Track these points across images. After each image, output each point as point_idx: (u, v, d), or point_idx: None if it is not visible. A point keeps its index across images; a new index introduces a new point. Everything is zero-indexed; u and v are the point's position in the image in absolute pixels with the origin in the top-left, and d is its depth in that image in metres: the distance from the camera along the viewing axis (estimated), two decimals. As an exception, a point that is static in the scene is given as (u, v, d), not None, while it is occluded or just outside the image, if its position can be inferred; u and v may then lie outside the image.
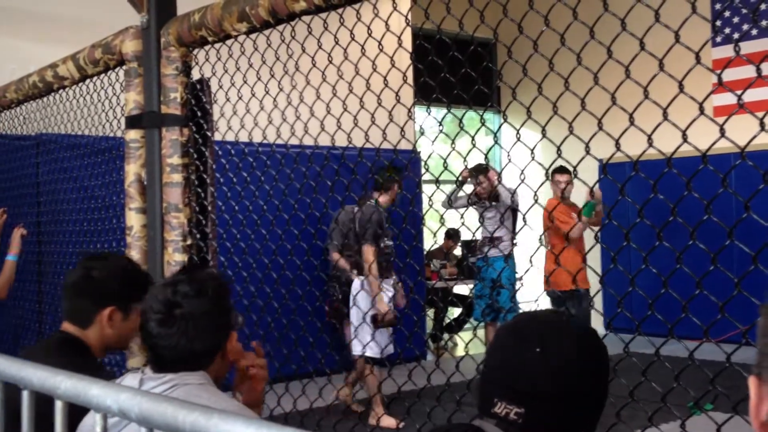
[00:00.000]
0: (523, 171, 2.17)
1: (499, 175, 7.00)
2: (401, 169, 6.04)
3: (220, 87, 3.14)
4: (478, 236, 7.46)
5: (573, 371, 1.31)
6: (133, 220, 3.22)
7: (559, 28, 2.10)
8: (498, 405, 1.29)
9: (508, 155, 2.21)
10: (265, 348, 2.35)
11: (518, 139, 2.19)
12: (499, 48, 10.90)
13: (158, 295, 1.91)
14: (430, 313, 9.50)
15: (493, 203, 6.84)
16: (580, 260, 6.51)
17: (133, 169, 3.22)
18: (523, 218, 2.24)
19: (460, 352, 9.26)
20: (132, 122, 3.23)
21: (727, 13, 8.84)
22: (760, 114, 1.66)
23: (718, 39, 8.73)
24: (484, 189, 6.75)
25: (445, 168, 2.36)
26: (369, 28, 2.48)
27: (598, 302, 9.47)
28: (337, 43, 2.59)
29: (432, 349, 9.14)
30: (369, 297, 5.54)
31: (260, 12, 2.72)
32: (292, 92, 2.82)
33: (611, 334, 1.97)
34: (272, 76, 2.89)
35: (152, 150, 3.16)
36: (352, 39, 2.55)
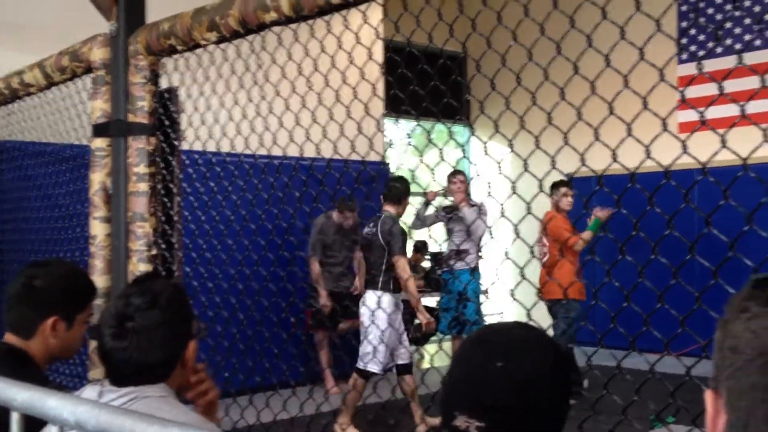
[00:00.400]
0: (489, 184, 2.18)
1: (467, 186, 7.03)
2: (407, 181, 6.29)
3: (189, 96, 3.13)
4: (445, 249, 7.48)
5: (536, 386, 1.29)
6: (98, 229, 3.18)
7: (528, 43, 2.12)
8: (459, 418, 1.28)
9: (476, 168, 2.22)
10: (230, 360, 2.33)
11: (485, 152, 2.20)
12: (469, 61, 10.99)
13: (111, 308, 1.88)
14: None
15: (460, 216, 6.85)
16: (575, 272, 6.98)
17: (98, 178, 3.19)
18: (490, 231, 2.24)
19: (426, 364, 9.25)
20: (98, 130, 3.20)
21: (692, 31, 8.99)
22: (723, 131, 1.68)
23: (684, 56, 8.88)
24: (459, 189, 6.74)
25: (413, 180, 2.36)
26: (339, 39, 2.49)
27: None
28: (307, 54, 2.59)
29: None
30: (388, 314, 5.54)
31: (230, 22, 2.71)
32: (261, 103, 2.81)
33: (575, 347, 1.98)
34: (241, 86, 2.88)
35: (118, 158, 3.13)
36: (322, 50, 2.55)
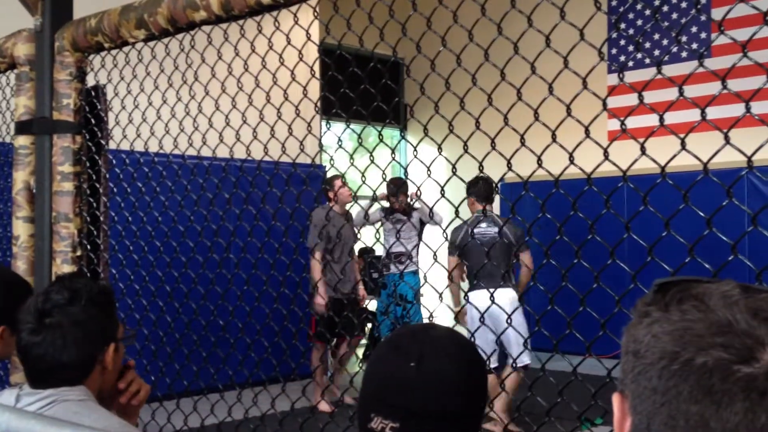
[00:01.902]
0: (419, 187, 2.19)
1: (419, 189, 7.06)
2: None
3: (116, 94, 3.06)
4: (386, 250, 7.44)
5: (450, 387, 1.29)
6: (21, 229, 3.09)
7: (459, 49, 2.14)
8: (374, 420, 1.28)
9: (405, 170, 2.23)
10: (157, 364, 2.28)
11: (415, 156, 2.21)
12: (410, 65, 11.03)
13: (31, 304, 1.83)
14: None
15: (410, 219, 6.86)
16: None
17: (21, 177, 3.10)
18: (444, 233, 2.24)
19: (356, 368, 9.24)
20: (22, 128, 3.11)
21: (622, 42, 9.22)
22: (642, 139, 1.73)
23: (615, 66, 9.09)
24: (401, 204, 6.81)
25: (344, 184, 2.36)
26: (270, 40, 2.47)
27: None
28: (237, 54, 2.57)
29: (333, 364, 9.10)
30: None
31: (159, 20, 2.67)
32: (191, 102, 2.77)
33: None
34: (170, 85, 2.83)
35: (42, 157, 3.04)
36: (253, 51, 2.53)
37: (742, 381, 0.69)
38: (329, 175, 6.44)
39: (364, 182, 2.32)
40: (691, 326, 0.73)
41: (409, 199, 6.83)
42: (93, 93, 3.07)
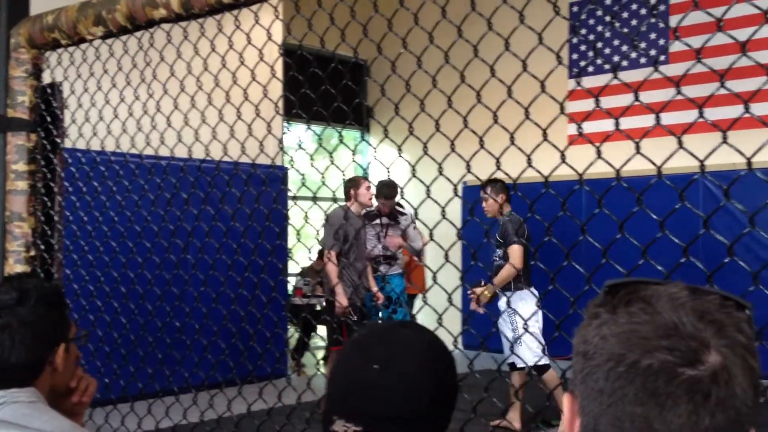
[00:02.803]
0: (378, 188, 2.19)
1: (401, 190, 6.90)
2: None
3: (73, 92, 3.01)
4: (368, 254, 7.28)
5: (415, 390, 1.25)
6: (-28, 228, 3.02)
7: (420, 51, 2.14)
8: (337, 423, 1.26)
9: (365, 171, 2.23)
10: (111, 366, 2.25)
11: (375, 157, 2.21)
12: (373, 66, 11.00)
13: None
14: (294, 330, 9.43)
15: (396, 221, 6.76)
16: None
17: (-27, 175, 3.03)
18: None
19: (313, 370, 9.19)
20: (-26, 125, 3.04)
21: (583, 47, 9.33)
22: (599, 143, 1.75)
23: (575, 71, 9.20)
24: (388, 207, 6.73)
25: (303, 184, 2.35)
26: (230, 39, 2.45)
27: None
28: (197, 53, 2.54)
29: (293, 366, 9.06)
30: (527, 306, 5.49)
31: (117, 17, 2.63)
32: (149, 101, 2.74)
33: (457, 351, 2.01)
34: (128, 83, 2.80)
35: (-5, 155, 2.98)
36: (213, 50, 2.50)
37: (686, 383, 0.69)
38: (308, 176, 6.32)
39: (323, 183, 2.31)
40: (637, 328, 0.73)
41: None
42: (49, 90, 3.02)
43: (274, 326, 3.23)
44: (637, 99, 1.66)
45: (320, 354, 9.87)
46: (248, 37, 2.38)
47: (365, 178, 5.92)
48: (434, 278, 2.03)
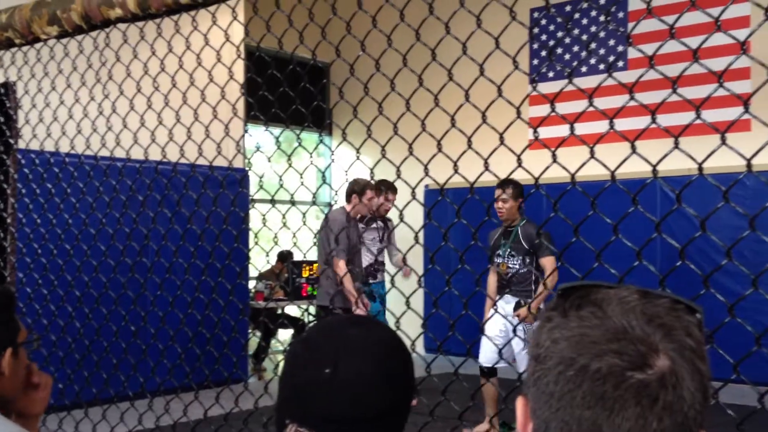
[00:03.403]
0: (337, 191, 2.19)
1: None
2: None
3: (26, 92, 2.96)
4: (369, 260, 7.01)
5: (367, 391, 1.21)
6: None
7: (379, 55, 2.14)
8: (290, 427, 1.23)
9: (323, 174, 2.22)
10: (65, 371, 2.21)
11: (332, 160, 2.20)
12: (334, 69, 10.97)
13: None
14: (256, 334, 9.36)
15: (387, 225, 6.52)
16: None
17: None
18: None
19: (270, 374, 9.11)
20: (-76, 125, 2.97)
21: (543, 53, 9.41)
22: (586, 146, 1.76)
23: (534, 76, 9.28)
24: (388, 209, 6.48)
25: (261, 186, 2.33)
26: (188, 40, 2.43)
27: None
28: (153, 53, 2.51)
29: (254, 370, 8.99)
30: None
31: (72, 16, 2.59)
32: (104, 102, 2.70)
33: (415, 355, 2.01)
34: (83, 83, 2.75)
35: (-54, 156, 2.92)
36: (170, 51, 2.48)
37: (634, 387, 0.70)
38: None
39: (281, 186, 2.29)
40: (587, 332, 0.73)
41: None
42: (2, 90, 2.96)
43: (232, 330, 3.19)
44: (591, 104, 1.68)
45: (280, 358, 9.80)
46: (206, 38, 2.36)
47: (369, 184, 5.59)
48: (392, 282, 2.03)
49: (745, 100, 1.51)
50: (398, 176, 2.08)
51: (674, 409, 0.70)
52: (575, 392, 0.72)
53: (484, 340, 5.07)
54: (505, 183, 5.13)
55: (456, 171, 1.96)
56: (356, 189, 5.69)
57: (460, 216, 1.94)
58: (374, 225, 6.49)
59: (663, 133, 1.70)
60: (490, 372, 5.17)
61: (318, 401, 1.21)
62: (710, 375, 0.74)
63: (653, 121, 1.55)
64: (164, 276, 2.62)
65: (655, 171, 1.60)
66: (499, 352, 5.05)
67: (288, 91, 2.31)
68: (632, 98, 1.59)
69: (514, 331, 5.08)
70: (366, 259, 6.37)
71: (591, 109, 1.74)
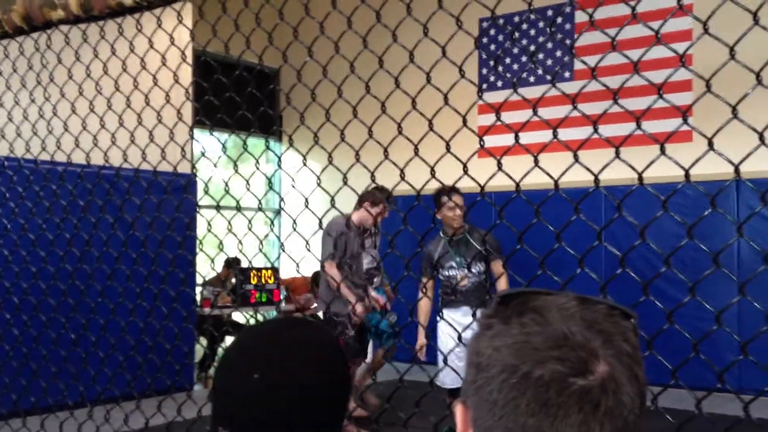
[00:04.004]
0: (282, 199, 2.17)
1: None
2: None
3: (-37, 94, 2.88)
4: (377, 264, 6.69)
5: (298, 397, 1.19)
6: None
7: (326, 61, 2.13)
8: None
9: (269, 180, 2.21)
10: (2, 379, 2.14)
11: (279, 167, 2.19)
12: (282, 75, 10.89)
13: None
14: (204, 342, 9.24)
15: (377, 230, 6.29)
16: None
17: None
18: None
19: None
20: None
21: (492, 62, 9.51)
22: (532, 154, 1.78)
23: (485, 86, 9.37)
24: (384, 217, 6.18)
25: (206, 192, 2.30)
26: (131, 43, 2.39)
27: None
28: (96, 56, 2.47)
29: (201, 378, 8.88)
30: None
31: (13, 17, 2.53)
32: (45, 105, 2.64)
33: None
34: (23, 86, 2.69)
35: None
36: (113, 54, 2.43)
37: (576, 393, 0.70)
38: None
39: (227, 192, 2.27)
40: (529, 339, 0.73)
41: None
42: (-62, 91, 2.87)
43: (175, 338, 3.12)
44: (535, 114, 1.70)
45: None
46: (150, 42, 2.33)
47: (387, 198, 5.18)
48: (338, 289, 2.02)
49: (683, 112, 1.54)
50: (345, 183, 2.08)
51: (615, 414, 0.71)
52: (519, 400, 0.71)
53: (444, 361, 4.69)
54: (457, 190, 4.64)
55: (402, 178, 1.96)
56: (370, 198, 5.38)
57: (406, 223, 1.94)
58: (371, 231, 6.25)
59: (607, 143, 1.73)
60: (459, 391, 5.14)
61: (247, 406, 1.18)
62: (646, 380, 0.74)
63: (595, 131, 1.57)
64: (106, 283, 2.57)
65: (597, 180, 1.62)
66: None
67: (234, 96, 2.28)
68: (575, 108, 1.61)
69: None
70: (365, 263, 6.09)
71: (537, 118, 1.76)
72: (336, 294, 5.19)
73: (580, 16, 8.73)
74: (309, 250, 2.18)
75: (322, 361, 1.24)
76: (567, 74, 8.88)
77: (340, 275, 5.28)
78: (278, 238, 8.87)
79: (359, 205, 5.55)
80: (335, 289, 5.14)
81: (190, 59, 2.66)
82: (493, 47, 9.59)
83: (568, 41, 8.75)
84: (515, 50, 9.36)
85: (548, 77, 8.88)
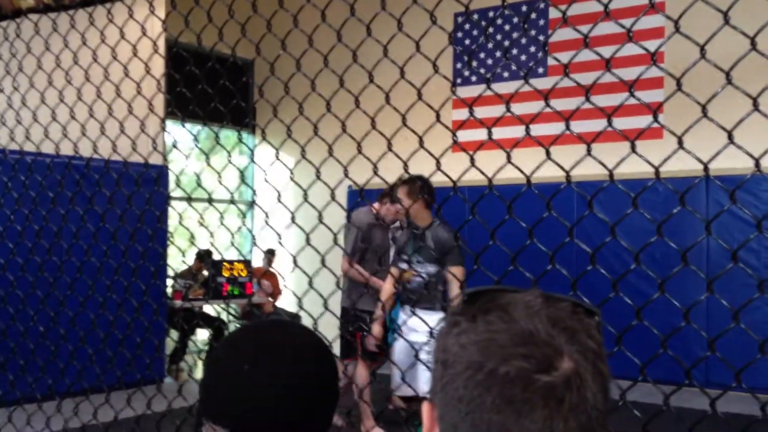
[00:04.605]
0: (255, 191, 2.16)
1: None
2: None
3: (-70, 82, 2.83)
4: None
5: (286, 393, 1.20)
6: None
7: (300, 54, 2.12)
8: (206, 425, 1.22)
9: (242, 173, 2.19)
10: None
11: (252, 160, 2.17)
12: (257, 67, 10.81)
13: None
14: (175, 335, 9.17)
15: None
16: None
17: None
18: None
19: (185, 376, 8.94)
20: None
21: (466, 57, 9.53)
22: (504, 150, 1.78)
23: (459, 81, 9.39)
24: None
25: (177, 185, 2.28)
26: (102, 33, 2.36)
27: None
28: (66, 46, 2.43)
29: (172, 371, 8.82)
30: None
31: (-19, 4, 2.49)
32: (14, 94, 2.60)
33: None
34: (-9, 74, 2.65)
35: None
36: (83, 44, 2.40)
37: (541, 390, 0.70)
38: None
39: (199, 184, 2.25)
40: (495, 337, 0.74)
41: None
42: None
43: (146, 331, 3.05)
44: (508, 110, 1.70)
45: (197, 358, 9.64)
46: (121, 32, 2.30)
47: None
48: (310, 283, 2.01)
49: (654, 110, 1.55)
50: (318, 177, 2.07)
51: (579, 410, 0.71)
52: (485, 396, 0.72)
53: (418, 368, 4.26)
54: (405, 181, 4.46)
55: (375, 173, 1.96)
56: (389, 194, 5.03)
57: (379, 217, 1.94)
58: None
59: (579, 139, 1.74)
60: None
61: (233, 401, 1.20)
62: (610, 375, 0.75)
63: (567, 128, 1.58)
64: (75, 275, 2.54)
65: (569, 177, 1.63)
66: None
67: (207, 87, 2.26)
68: (548, 105, 1.62)
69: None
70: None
71: (510, 114, 1.76)
72: (359, 290, 4.96)
73: (554, 12, 8.77)
74: (281, 245, 2.17)
75: (308, 362, 1.26)
76: (540, 70, 8.92)
77: (354, 269, 4.93)
78: (250, 231, 8.83)
79: (384, 198, 5.13)
80: (359, 283, 4.96)
81: (162, 50, 2.63)
82: (467, 42, 9.61)
83: (541, 37, 8.80)
84: (490, 45, 9.38)
85: (522, 73, 8.92)
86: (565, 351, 0.72)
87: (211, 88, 2.27)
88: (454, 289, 4.12)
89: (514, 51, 9.28)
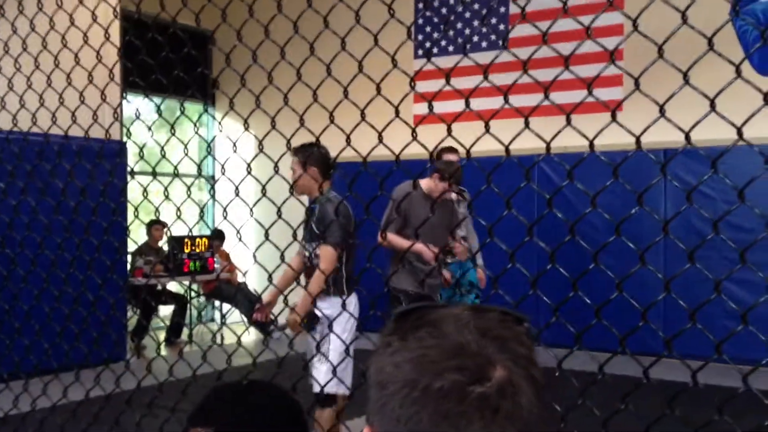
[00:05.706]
0: (223, 164, 2.11)
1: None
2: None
3: None
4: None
5: None
6: None
7: (268, 21, 2.06)
8: None
9: (209, 146, 2.13)
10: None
11: (220, 131, 2.11)
12: (219, 37, 10.60)
13: None
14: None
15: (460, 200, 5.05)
16: None
17: None
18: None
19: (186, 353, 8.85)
20: None
21: (428, 28, 9.48)
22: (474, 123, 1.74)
23: (420, 52, 9.34)
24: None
25: (141, 157, 2.21)
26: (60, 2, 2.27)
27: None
28: (21, 12, 2.33)
29: (132, 348, 8.72)
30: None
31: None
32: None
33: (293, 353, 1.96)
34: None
35: None
36: (40, 9, 2.31)
37: (476, 401, 0.71)
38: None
39: (163, 156, 2.18)
40: (427, 352, 0.74)
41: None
42: None
43: (111, 308, 2.96)
44: (486, 78, 1.67)
45: (161, 336, 9.56)
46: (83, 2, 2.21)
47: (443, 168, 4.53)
48: (271, 277, 1.97)
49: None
50: (288, 149, 2.02)
51: (515, 417, 0.72)
52: (421, 413, 0.72)
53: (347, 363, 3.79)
54: (296, 149, 3.83)
55: (348, 144, 1.91)
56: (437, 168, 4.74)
57: (351, 190, 1.90)
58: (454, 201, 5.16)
59: (554, 110, 1.72)
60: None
61: None
62: (543, 380, 0.75)
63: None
64: (36, 251, 2.46)
65: (548, 147, 1.61)
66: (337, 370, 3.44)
67: (170, 55, 2.19)
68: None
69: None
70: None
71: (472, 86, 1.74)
72: (394, 267, 4.45)
73: (514, 8, 8.74)
74: (253, 216, 2.12)
75: (281, 427, 1.27)
76: (500, 42, 8.91)
77: (387, 241, 4.27)
78: (213, 205, 8.74)
79: (434, 174, 4.72)
80: (399, 256, 4.36)
81: (119, 17, 2.54)
82: (428, 14, 9.55)
83: (502, 26, 8.80)
84: (451, 17, 9.34)
85: (483, 44, 8.90)
86: (497, 360, 0.73)
87: (164, 58, 2.19)
88: (315, 279, 3.78)
89: (475, 38, 9.23)
